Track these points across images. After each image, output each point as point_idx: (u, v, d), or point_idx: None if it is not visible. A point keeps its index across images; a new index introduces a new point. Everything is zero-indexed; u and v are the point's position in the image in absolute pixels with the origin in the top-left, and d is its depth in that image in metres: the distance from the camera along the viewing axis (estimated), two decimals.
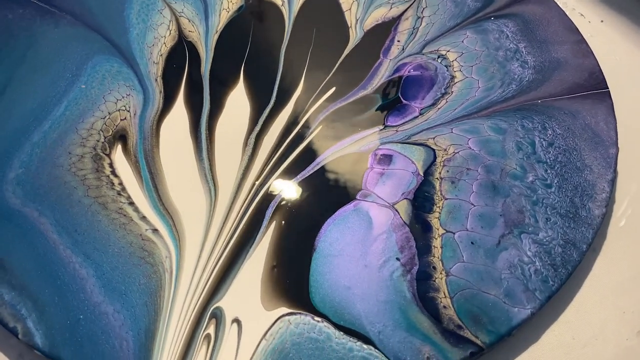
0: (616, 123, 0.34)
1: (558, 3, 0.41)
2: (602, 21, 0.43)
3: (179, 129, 0.33)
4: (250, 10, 0.41)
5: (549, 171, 0.32)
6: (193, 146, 0.33)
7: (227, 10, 0.40)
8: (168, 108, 0.35)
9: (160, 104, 0.35)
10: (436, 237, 0.29)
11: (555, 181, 0.32)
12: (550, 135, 0.34)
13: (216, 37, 0.39)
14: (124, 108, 0.34)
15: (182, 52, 0.37)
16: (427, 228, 0.30)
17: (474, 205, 0.31)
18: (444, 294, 0.28)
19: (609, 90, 0.36)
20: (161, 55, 0.37)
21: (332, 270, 0.28)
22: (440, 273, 0.28)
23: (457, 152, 0.33)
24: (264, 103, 0.35)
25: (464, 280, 0.28)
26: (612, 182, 0.32)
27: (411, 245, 0.29)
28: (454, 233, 0.30)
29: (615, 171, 0.32)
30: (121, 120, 0.34)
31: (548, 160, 0.33)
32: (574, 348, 0.28)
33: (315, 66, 0.37)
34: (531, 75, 0.37)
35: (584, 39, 0.39)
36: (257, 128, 0.34)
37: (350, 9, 0.41)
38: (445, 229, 0.30)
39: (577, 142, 0.34)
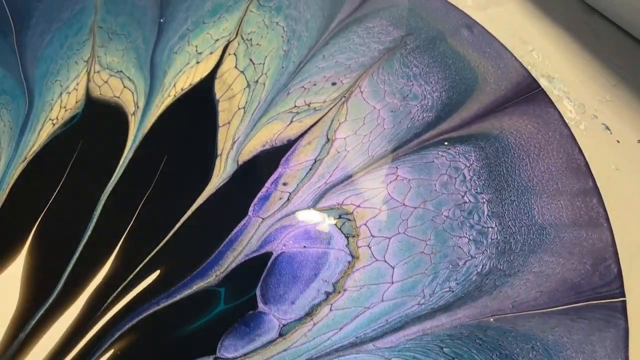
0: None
1: (567, 109, 0.25)
2: (639, 141, 0.27)
3: None
4: (87, 119, 0.28)
5: None
6: None
7: (54, 121, 0.28)
8: None
9: None
10: None
11: None
12: None
13: (19, 169, 0.26)
14: None
15: None
16: None
17: None
18: None
19: (624, 300, 0.21)
20: None
21: None
22: None
23: None
24: (40, 298, 0.22)
25: None
26: None
27: None
28: None
29: None
30: None
31: None
32: None
33: (143, 228, 0.24)
34: (488, 262, 0.22)
35: (595, 186, 0.23)
36: (10, 352, 0.21)
37: (229, 123, 0.27)
38: None
39: None
